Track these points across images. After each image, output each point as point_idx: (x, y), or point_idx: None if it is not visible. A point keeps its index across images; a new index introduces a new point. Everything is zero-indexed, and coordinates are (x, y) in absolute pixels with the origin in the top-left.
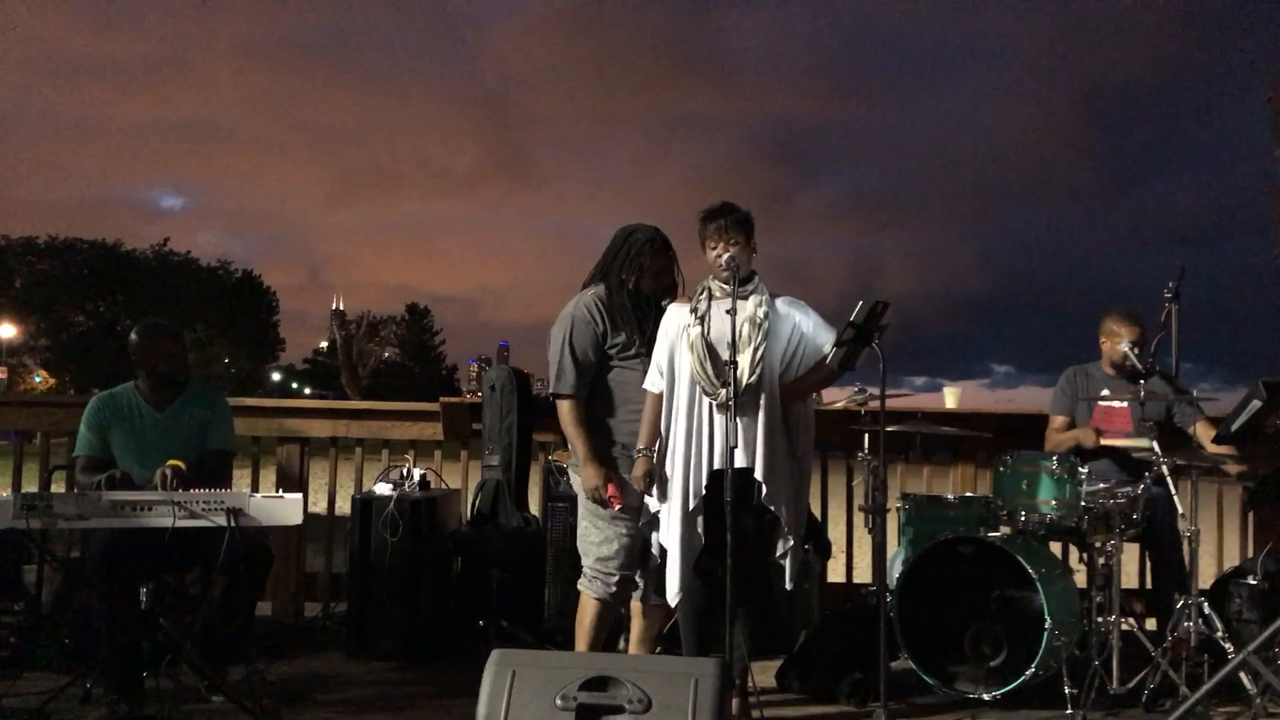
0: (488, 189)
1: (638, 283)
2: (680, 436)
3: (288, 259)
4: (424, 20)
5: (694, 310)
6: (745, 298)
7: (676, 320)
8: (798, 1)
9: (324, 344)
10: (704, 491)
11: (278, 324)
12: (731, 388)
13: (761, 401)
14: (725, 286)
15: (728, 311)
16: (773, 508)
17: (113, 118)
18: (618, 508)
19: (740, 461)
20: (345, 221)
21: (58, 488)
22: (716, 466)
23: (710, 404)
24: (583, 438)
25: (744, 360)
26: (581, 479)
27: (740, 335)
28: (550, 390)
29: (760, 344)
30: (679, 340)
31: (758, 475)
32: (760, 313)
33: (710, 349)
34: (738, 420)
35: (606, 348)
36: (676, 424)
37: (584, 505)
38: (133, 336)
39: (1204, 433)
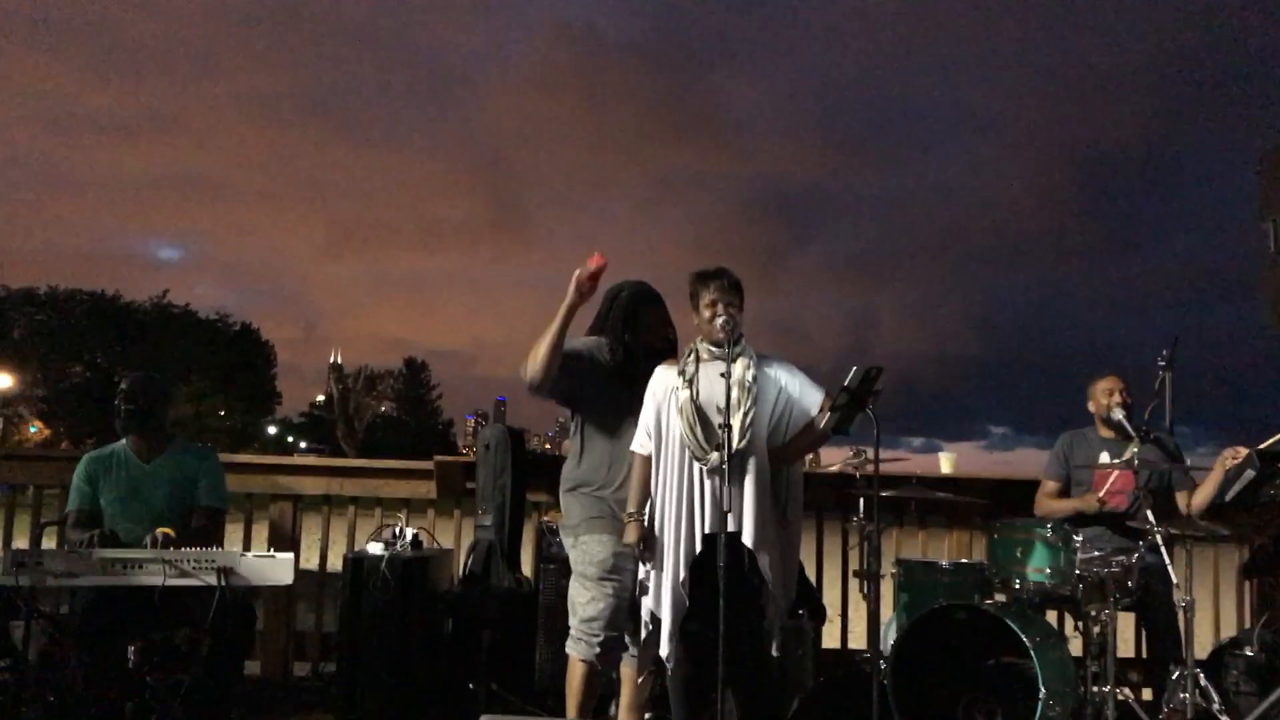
0: (483, 244)
1: (634, 339)
2: (671, 501)
3: (284, 312)
4: (419, 78)
5: (682, 373)
6: (733, 360)
7: (664, 383)
8: (792, 64)
9: (320, 397)
10: (696, 556)
11: (275, 377)
12: (725, 451)
13: (750, 465)
14: (714, 349)
15: (721, 374)
16: (761, 573)
17: (110, 170)
18: (593, 267)
19: (729, 526)
20: (341, 275)
21: (49, 543)
22: (707, 531)
23: (699, 468)
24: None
25: (734, 424)
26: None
27: (731, 399)
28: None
29: (750, 408)
30: (667, 403)
31: (746, 540)
32: (749, 375)
33: (700, 413)
34: (729, 484)
35: (585, 389)
36: (667, 488)
37: (574, 565)
38: (121, 386)
39: (1184, 502)
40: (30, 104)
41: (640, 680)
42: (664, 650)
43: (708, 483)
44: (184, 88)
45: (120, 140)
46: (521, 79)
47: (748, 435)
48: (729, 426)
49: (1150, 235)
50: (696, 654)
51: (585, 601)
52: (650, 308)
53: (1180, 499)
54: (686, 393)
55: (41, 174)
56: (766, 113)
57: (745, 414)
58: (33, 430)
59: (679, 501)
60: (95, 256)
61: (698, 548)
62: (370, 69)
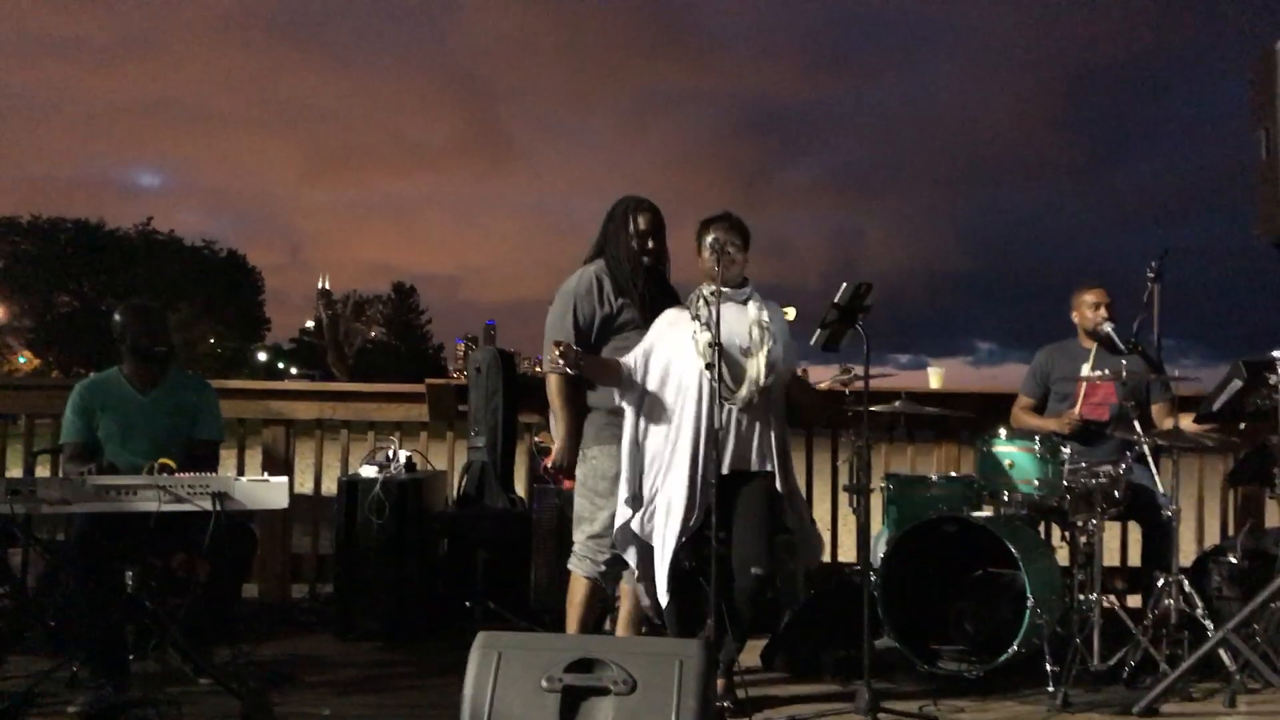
0: (464, 166)
1: (630, 245)
2: (687, 443)
3: (269, 237)
4: None
5: (696, 316)
6: (744, 302)
7: (675, 325)
8: None
9: (310, 323)
10: (711, 504)
11: (263, 303)
12: (717, 390)
13: (771, 402)
14: (726, 290)
15: (732, 314)
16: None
17: (84, 97)
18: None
19: (755, 464)
20: (324, 199)
21: (42, 471)
22: (726, 469)
23: (714, 410)
24: (566, 415)
25: (758, 362)
26: (553, 449)
27: (751, 338)
28: (544, 365)
29: (771, 346)
30: (682, 346)
31: (778, 481)
32: (764, 316)
33: (722, 353)
34: (751, 422)
35: (612, 324)
36: (681, 432)
37: (579, 483)
38: (115, 316)
39: (1160, 415)
40: None
41: (640, 596)
42: (661, 585)
43: (732, 421)
44: (154, 12)
45: (93, 66)
46: None
47: (772, 372)
48: (717, 365)
49: (1137, 149)
50: (694, 587)
51: (590, 519)
52: (642, 213)
53: (1157, 412)
54: (708, 334)
55: (14, 102)
56: (748, 26)
57: (768, 351)
58: (22, 361)
59: (694, 442)
60: (74, 184)
61: (711, 497)
62: None
